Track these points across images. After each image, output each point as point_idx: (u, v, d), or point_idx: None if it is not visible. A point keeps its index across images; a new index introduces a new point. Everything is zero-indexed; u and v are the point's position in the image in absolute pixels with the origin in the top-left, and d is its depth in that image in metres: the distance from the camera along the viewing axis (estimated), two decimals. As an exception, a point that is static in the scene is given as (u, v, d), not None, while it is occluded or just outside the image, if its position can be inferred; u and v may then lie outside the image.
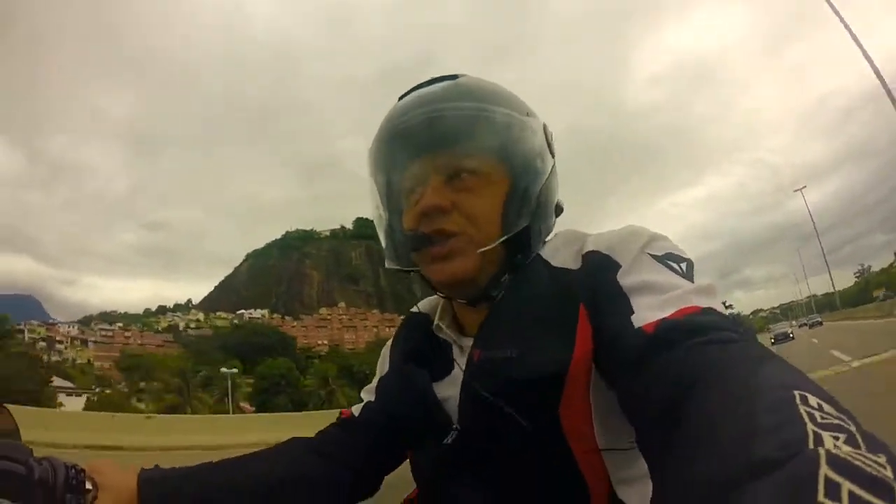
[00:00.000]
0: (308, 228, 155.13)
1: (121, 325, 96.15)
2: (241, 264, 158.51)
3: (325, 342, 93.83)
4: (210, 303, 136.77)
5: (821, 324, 32.11)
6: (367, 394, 0.68)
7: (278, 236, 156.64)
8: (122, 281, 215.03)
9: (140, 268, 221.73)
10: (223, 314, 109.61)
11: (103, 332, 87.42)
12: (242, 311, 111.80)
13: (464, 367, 0.54)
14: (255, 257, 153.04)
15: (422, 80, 0.58)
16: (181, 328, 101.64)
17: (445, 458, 0.54)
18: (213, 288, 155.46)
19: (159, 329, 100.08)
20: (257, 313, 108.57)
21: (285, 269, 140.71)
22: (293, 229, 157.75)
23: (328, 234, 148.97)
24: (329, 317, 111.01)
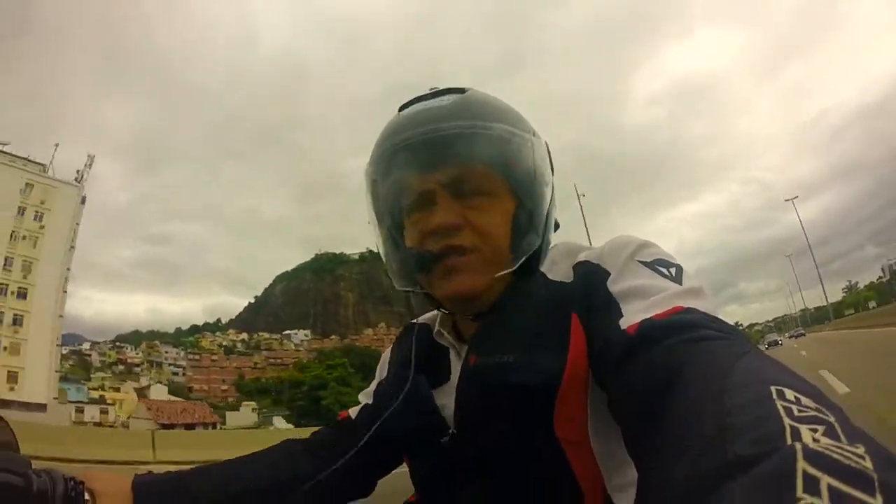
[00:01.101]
0: (338, 251, 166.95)
1: (172, 344, 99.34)
2: (272, 286, 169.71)
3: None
4: (242, 323, 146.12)
5: (804, 335, 42.76)
6: (365, 396, 0.69)
7: (308, 258, 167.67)
8: (119, 295, 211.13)
9: (138, 282, 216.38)
10: (265, 334, 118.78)
11: (191, 357, 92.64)
12: (288, 331, 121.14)
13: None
14: (287, 279, 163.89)
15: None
16: (229, 347, 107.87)
17: (442, 462, 0.55)
18: (241, 308, 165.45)
19: (201, 348, 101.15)
20: (301, 334, 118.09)
21: (321, 292, 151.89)
22: (322, 251, 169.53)
23: (357, 257, 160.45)
24: (376, 337, 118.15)
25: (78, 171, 39.15)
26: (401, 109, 0.58)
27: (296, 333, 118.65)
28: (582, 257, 0.55)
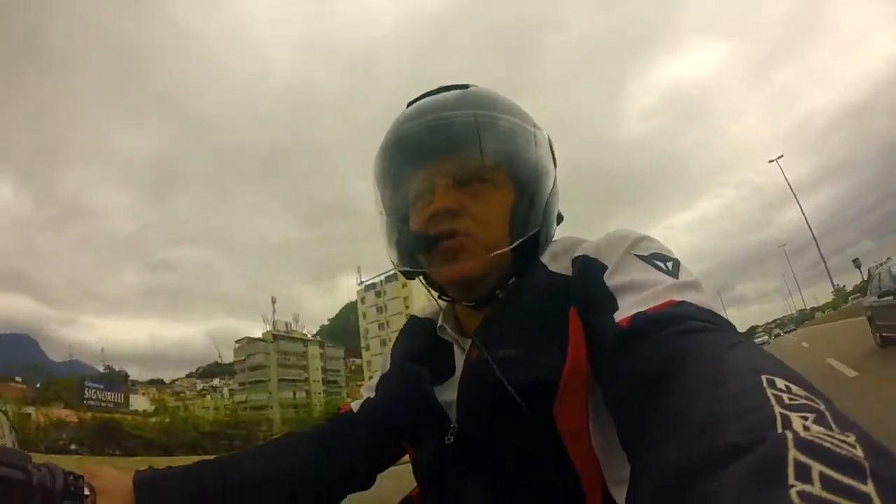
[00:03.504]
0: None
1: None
2: (343, 313, 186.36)
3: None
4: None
5: (795, 329, 49.76)
6: (367, 390, 0.69)
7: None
8: (121, 321, 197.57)
9: (142, 309, 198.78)
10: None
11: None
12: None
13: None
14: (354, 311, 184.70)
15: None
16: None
17: (444, 456, 0.54)
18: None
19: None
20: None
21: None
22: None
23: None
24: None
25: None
26: (409, 105, 0.60)
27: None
28: (580, 251, 0.54)
